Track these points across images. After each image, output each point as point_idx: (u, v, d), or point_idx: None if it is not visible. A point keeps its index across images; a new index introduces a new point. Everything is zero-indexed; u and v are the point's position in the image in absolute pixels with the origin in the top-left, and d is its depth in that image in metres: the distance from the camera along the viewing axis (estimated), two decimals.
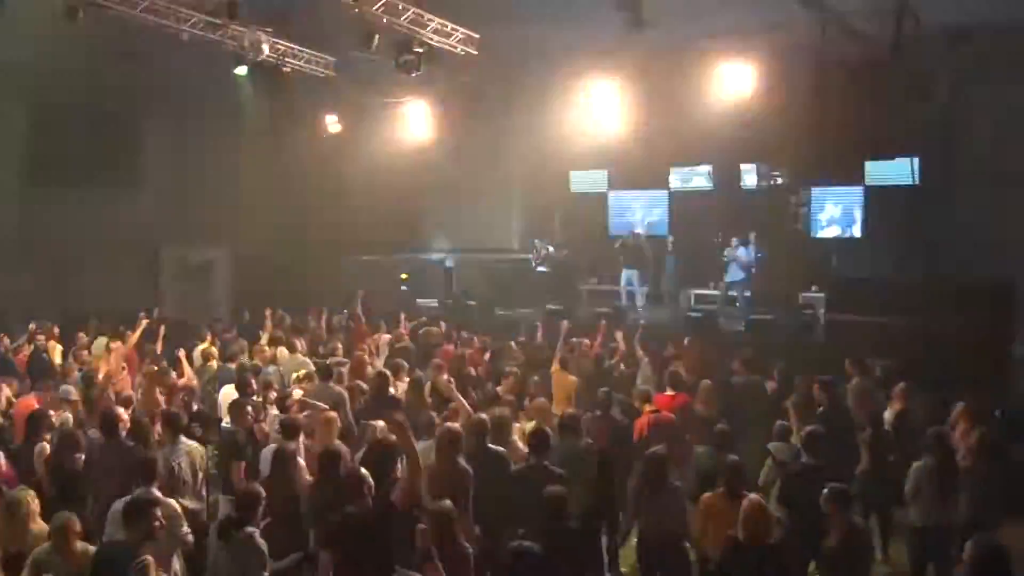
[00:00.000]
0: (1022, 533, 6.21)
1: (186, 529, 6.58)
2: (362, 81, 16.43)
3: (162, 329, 13.08)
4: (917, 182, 14.32)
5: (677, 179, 21.00)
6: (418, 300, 19.55)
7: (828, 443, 8.06)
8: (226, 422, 9.73)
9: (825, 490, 6.26)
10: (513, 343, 13.07)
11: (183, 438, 7.92)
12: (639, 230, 19.07)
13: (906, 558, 7.86)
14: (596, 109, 14.37)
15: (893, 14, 11.54)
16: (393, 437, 6.73)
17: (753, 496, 6.15)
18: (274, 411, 9.20)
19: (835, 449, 8.34)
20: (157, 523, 5.74)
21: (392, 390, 9.67)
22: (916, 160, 16.42)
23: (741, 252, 16.93)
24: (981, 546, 4.84)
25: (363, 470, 6.21)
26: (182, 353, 12.17)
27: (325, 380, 9.87)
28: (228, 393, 10.32)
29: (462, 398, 8.78)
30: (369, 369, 11.08)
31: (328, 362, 11.81)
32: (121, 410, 8.38)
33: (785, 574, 5.93)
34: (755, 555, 5.81)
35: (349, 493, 6.05)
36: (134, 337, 12.16)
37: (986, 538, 5.05)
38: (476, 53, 13.81)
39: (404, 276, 20.01)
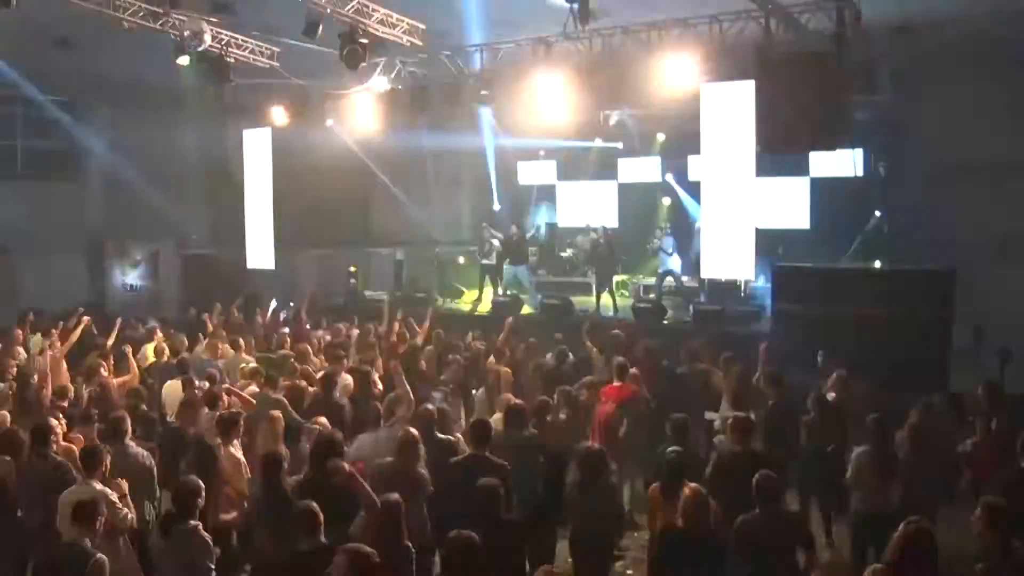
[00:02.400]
0: (955, 518, 6.38)
1: (125, 512, 6.59)
2: (307, 72, 16.27)
3: (119, 322, 12.98)
4: (861, 174, 14.55)
5: (626, 171, 21.20)
6: (367, 293, 19.50)
7: (770, 432, 8.21)
8: (171, 417, 9.67)
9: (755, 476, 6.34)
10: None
11: (129, 443, 7.78)
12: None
13: (848, 542, 8.02)
14: (543, 100, 14.36)
15: (835, 7, 11.66)
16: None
17: (693, 485, 6.20)
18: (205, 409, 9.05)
19: (777, 438, 8.49)
20: (100, 520, 5.82)
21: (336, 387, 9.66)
22: (860, 152, 16.71)
23: (668, 242, 17.14)
24: (910, 528, 4.95)
25: (314, 505, 5.91)
26: (129, 349, 12.05)
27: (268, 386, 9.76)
28: (171, 388, 10.24)
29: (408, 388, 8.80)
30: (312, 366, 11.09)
31: (274, 357, 11.84)
32: (54, 421, 8.04)
33: (722, 563, 5.99)
34: (693, 543, 5.86)
35: (302, 527, 5.86)
36: (73, 337, 11.91)
37: (915, 521, 5.16)
38: (421, 44, 13.74)
39: (353, 269, 19.91)
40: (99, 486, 6.60)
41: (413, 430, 7.25)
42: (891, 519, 7.06)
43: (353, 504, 6.10)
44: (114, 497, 6.54)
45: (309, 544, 5.70)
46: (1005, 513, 5.46)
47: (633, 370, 10.06)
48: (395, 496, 5.82)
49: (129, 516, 6.61)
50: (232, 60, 14.31)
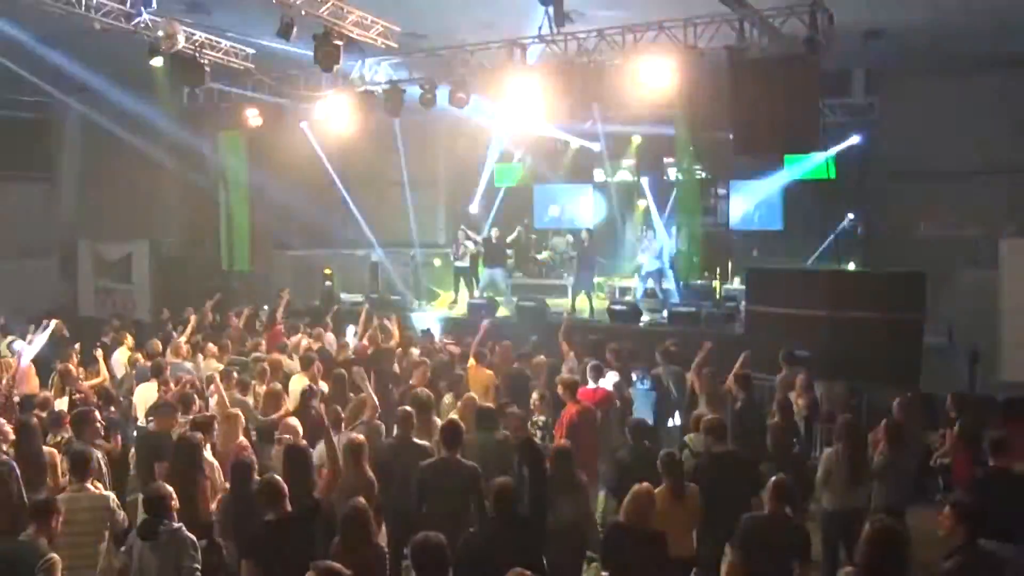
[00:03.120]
0: (928, 516, 6.43)
1: (120, 516, 6.59)
2: (283, 74, 16.22)
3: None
4: (833, 176, 14.68)
5: (602, 172, 21.26)
6: (343, 295, 19.44)
7: (741, 434, 8.24)
8: (142, 421, 9.60)
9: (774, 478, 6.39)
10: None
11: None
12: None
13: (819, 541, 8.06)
14: (519, 102, 14.38)
15: (808, 11, 11.74)
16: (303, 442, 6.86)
17: (643, 484, 6.22)
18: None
19: (749, 440, 8.52)
20: (56, 519, 5.80)
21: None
22: (832, 155, 16.87)
23: (651, 245, 17.22)
24: (876, 526, 4.98)
25: (276, 477, 6.12)
26: (99, 353, 11.96)
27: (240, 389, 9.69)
28: (144, 391, 10.16)
29: (371, 392, 8.78)
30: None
31: (249, 359, 11.79)
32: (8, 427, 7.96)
33: (664, 559, 6.02)
34: (636, 538, 5.94)
35: (267, 501, 5.97)
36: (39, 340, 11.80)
37: (882, 519, 5.21)
38: (396, 46, 13.70)
39: (328, 271, 19.84)
40: (96, 490, 6.61)
41: (359, 436, 7.29)
42: (861, 517, 7.20)
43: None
44: (115, 503, 6.56)
45: (276, 513, 5.81)
46: (972, 511, 5.51)
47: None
48: (361, 500, 5.82)
49: (123, 517, 6.63)
50: (207, 61, 14.21)
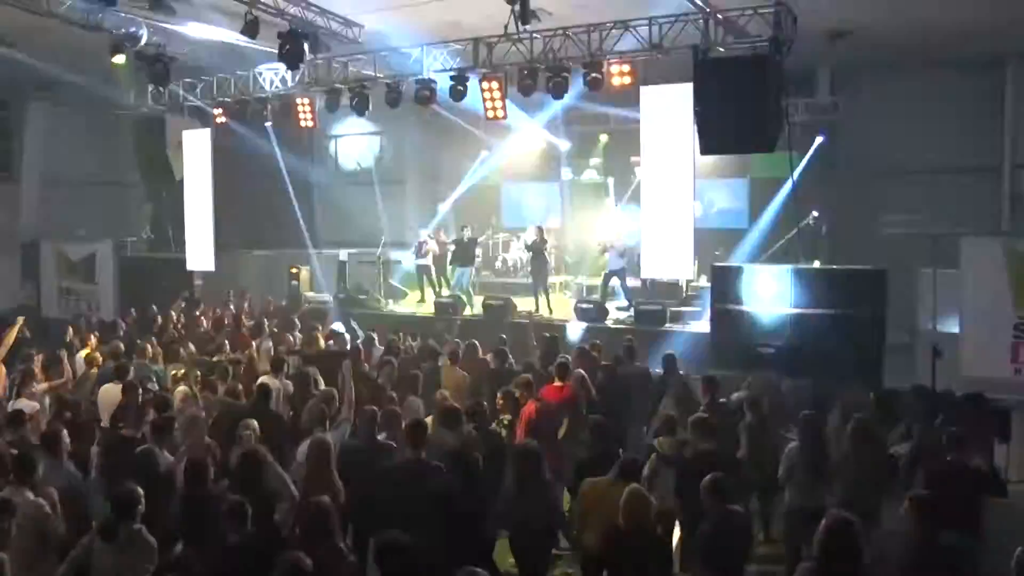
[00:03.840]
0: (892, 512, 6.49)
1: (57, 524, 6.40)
2: (247, 71, 16.15)
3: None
4: (796, 175, 14.77)
5: (569, 171, 21.33)
6: (308, 294, 19.34)
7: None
8: (105, 422, 9.49)
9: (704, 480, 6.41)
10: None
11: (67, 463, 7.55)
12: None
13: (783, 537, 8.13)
14: (485, 100, 14.41)
15: (772, 11, 11.84)
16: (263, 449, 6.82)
17: (633, 485, 6.22)
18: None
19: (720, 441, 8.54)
20: (8, 523, 5.75)
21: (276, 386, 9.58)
22: (795, 154, 16.96)
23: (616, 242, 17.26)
24: (830, 521, 5.03)
25: (238, 499, 5.94)
26: (64, 353, 11.82)
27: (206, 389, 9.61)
28: (108, 391, 10.03)
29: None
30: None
31: (215, 360, 11.69)
32: None
33: (667, 563, 6.03)
34: (636, 543, 5.87)
35: (229, 520, 5.87)
36: (8, 341, 11.66)
37: (836, 512, 5.25)
38: (361, 43, 13.69)
39: (294, 270, 19.74)
40: (30, 495, 6.46)
41: (326, 436, 7.24)
42: (823, 515, 7.25)
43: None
44: (47, 508, 6.40)
45: (239, 536, 5.72)
46: (931, 505, 5.58)
47: (578, 370, 10.10)
48: (325, 499, 5.79)
49: (60, 528, 6.44)
50: (170, 59, 14.10)
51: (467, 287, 18.15)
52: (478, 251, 19.76)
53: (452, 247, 18.69)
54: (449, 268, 18.97)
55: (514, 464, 6.96)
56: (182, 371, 10.55)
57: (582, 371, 10.27)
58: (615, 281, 16.43)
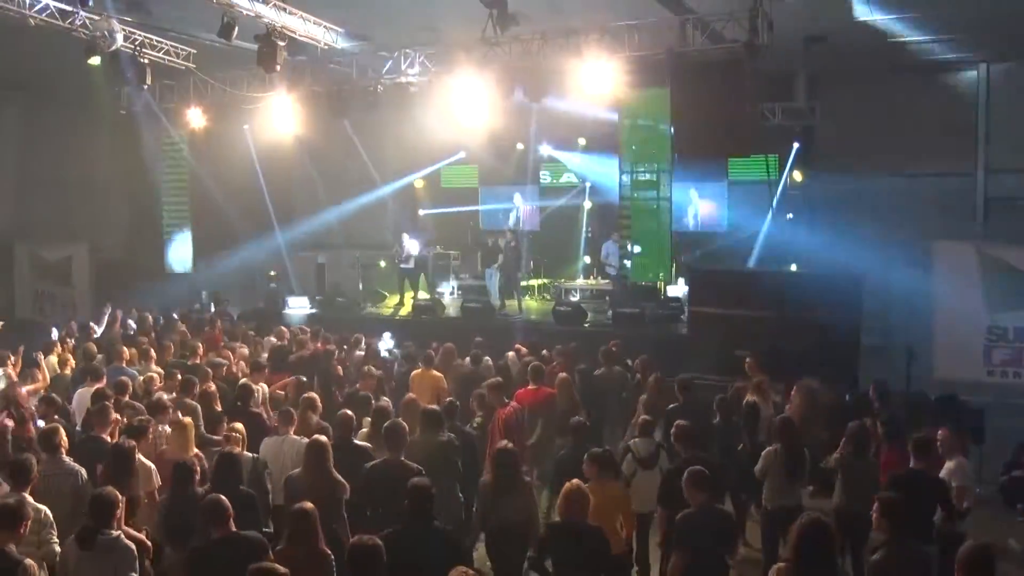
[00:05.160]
0: None
1: (55, 538, 6.35)
2: (225, 74, 16.12)
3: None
4: (773, 178, 14.92)
5: (548, 175, 21.44)
6: (288, 298, 19.29)
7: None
8: (79, 426, 9.44)
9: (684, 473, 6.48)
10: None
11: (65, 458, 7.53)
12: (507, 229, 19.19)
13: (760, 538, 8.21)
14: (464, 105, 14.47)
15: (748, 16, 11.95)
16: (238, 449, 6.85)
17: (574, 481, 6.30)
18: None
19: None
20: (26, 526, 5.66)
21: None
22: (773, 157, 17.13)
23: (610, 247, 17.42)
24: (803, 521, 5.10)
25: (223, 499, 5.89)
26: (40, 356, 11.76)
27: (183, 393, 9.58)
28: (82, 396, 9.99)
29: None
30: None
31: (190, 363, 11.66)
32: None
33: (601, 556, 6.08)
34: (572, 534, 6.02)
35: (211, 520, 5.84)
36: None
37: (809, 513, 5.33)
38: (340, 47, 13.71)
39: (272, 273, 19.70)
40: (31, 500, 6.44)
41: (321, 437, 7.27)
42: (799, 514, 7.33)
43: None
44: (49, 517, 6.36)
45: (221, 533, 5.73)
46: (897, 507, 5.67)
47: (562, 375, 10.17)
48: (308, 504, 5.80)
49: (56, 546, 6.23)
50: (147, 61, 14.06)
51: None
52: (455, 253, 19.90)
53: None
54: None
55: (493, 466, 6.99)
56: (156, 374, 10.47)
57: (566, 375, 10.31)
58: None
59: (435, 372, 10.81)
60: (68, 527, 6.25)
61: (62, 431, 7.44)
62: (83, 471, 7.16)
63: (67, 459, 7.25)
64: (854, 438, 7.75)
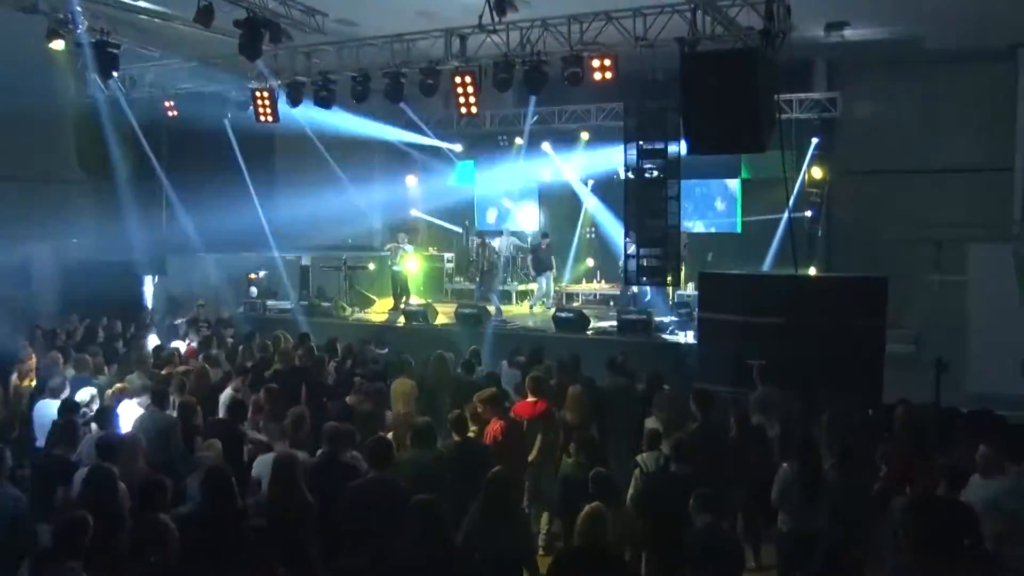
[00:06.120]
0: None
1: None
2: (203, 62, 16.10)
3: None
4: (791, 175, 14.88)
5: (548, 171, 21.46)
6: (269, 302, 19.28)
7: (701, 453, 8.31)
8: (41, 442, 9.43)
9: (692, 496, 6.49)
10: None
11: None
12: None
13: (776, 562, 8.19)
14: (458, 95, 14.47)
15: (763, 1, 11.90)
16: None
17: (594, 504, 6.26)
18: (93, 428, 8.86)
19: (709, 459, 8.59)
20: None
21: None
22: (790, 153, 17.09)
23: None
24: (831, 553, 5.10)
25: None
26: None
27: (157, 404, 9.57)
28: (43, 409, 9.96)
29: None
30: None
31: (164, 373, 11.64)
32: None
33: None
34: (590, 561, 5.96)
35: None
36: None
37: (834, 545, 5.33)
38: (326, 35, 13.70)
39: (252, 276, 19.67)
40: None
41: (291, 452, 7.23)
42: (818, 539, 7.32)
43: None
44: None
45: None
46: (923, 534, 5.66)
47: (576, 386, 10.15)
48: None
49: None
50: (117, 46, 14.01)
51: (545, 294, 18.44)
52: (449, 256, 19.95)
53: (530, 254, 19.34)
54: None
55: (481, 493, 6.81)
56: (119, 386, 10.40)
57: (579, 387, 10.27)
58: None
59: (408, 380, 10.80)
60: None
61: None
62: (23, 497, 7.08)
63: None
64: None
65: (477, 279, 19.46)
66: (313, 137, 18.95)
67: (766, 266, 17.02)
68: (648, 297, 17.25)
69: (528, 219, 21.78)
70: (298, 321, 17.32)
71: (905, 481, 7.64)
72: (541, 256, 19.15)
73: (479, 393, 9.45)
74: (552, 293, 19.34)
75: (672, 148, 14.46)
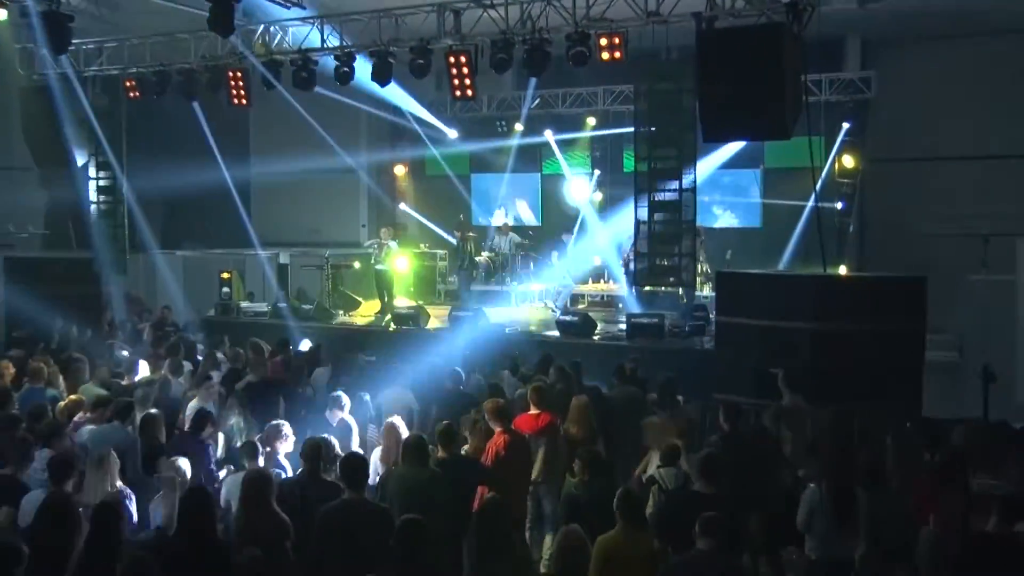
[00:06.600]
0: None
1: None
2: (169, 37, 16.06)
3: None
4: (818, 164, 14.80)
5: (550, 161, 21.46)
6: (244, 304, 19.21)
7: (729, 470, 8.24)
8: None
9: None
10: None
11: None
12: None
13: None
14: (453, 77, 14.44)
15: None
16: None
17: (571, 526, 6.26)
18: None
19: (739, 477, 8.52)
20: None
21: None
22: (818, 139, 17.04)
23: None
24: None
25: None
26: None
27: (118, 419, 9.46)
28: None
29: None
30: None
31: (124, 383, 11.58)
32: None
33: None
34: None
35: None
36: None
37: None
38: (306, 9, 13.66)
39: (226, 275, 19.60)
40: None
41: (263, 470, 7.19)
42: (851, 568, 7.25)
43: None
44: None
45: None
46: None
47: (582, 397, 10.05)
48: (252, 550, 5.75)
49: None
50: (71, 18, 13.90)
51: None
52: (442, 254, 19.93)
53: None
54: None
55: (474, 524, 6.79)
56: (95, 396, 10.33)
57: (585, 397, 10.20)
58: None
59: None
60: None
61: None
62: None
63: None
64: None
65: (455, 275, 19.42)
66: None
67: (786, 264, 16.96)
68: (660, 299, 17.19)
69: (527, 213, 21.73)
70: (276, 325, 17.27)
71: (929, 509, 7.54)
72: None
73: (486, 403, 9.37)
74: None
75: (687, 135, 14.34)
